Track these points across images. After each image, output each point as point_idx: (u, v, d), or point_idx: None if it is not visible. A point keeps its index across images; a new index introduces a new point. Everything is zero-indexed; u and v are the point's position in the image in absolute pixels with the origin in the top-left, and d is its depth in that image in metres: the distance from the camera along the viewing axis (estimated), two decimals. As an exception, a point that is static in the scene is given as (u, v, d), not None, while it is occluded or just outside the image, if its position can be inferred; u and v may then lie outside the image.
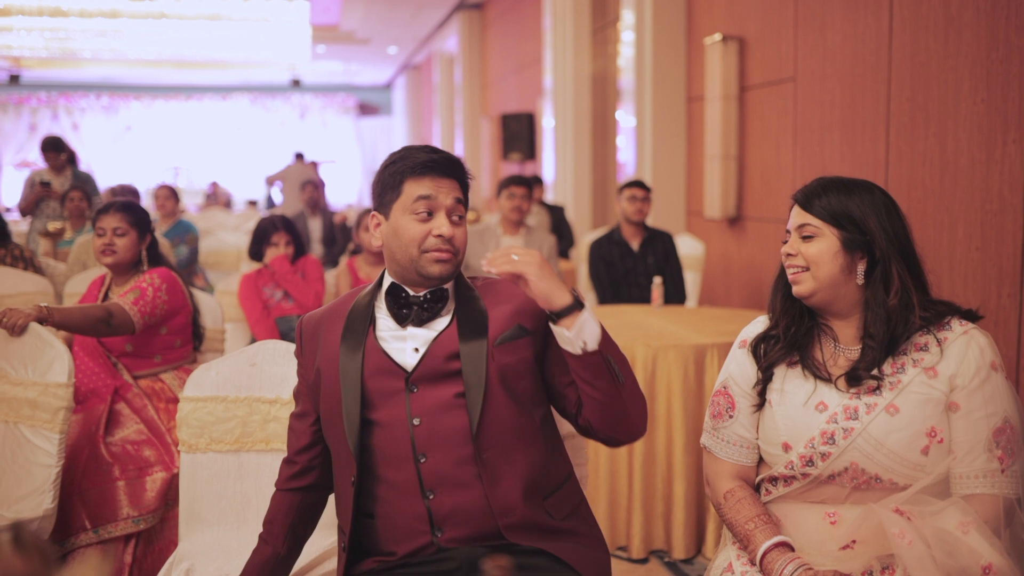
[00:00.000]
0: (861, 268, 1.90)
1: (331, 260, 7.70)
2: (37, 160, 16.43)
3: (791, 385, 1.94)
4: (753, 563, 1.87)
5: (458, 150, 14.39)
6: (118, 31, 12.94)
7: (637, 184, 5.28)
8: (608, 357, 1.81)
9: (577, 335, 1.77)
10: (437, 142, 16.28)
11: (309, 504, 2.09)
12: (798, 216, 1.95)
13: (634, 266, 5.20)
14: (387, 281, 2.01)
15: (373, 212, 2.01)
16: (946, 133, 3.89)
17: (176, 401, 3.09)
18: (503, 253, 1.79)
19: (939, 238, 3.87)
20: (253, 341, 4.49)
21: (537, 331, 1.95)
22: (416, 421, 1.90)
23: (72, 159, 7.50)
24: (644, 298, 5.06)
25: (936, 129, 3.95)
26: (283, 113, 22.44)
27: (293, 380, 2.37)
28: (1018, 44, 3.47)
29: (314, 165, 14.82)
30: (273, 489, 2.09)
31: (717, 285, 6.14)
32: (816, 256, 1.90)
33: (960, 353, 1.84)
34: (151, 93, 21.79)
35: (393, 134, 22.11)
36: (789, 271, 1.95)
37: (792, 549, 1.84)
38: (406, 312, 1.96)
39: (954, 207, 3.83)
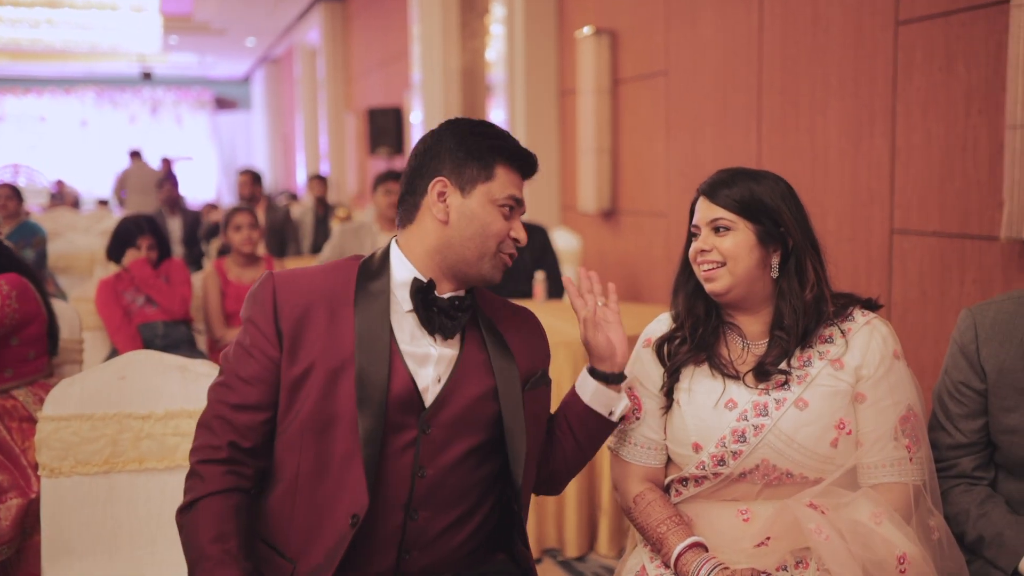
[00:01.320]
0: (775, 261, 1.85)
1: (192, 261, 7.39)
2: None
3: (699, 385, 1.88)
4: (668, 566, 1.82)
5: (322, 145, 14.10)
6: (-58, 16, 12.10)
7: None
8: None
9: (619, 401, 1.76)
10: (300, 138, 15.92)
11: (246, 508, 1.68)
12: (708, 210, 1.87)
13: (510, 261, 5.14)
14: (407, 271, 1.69)
15: (441, 178, 1.69)
16: (816, 126, 3.97)
17: (31, 420, 2.84)
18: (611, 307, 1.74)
19: None
20: (114, 351, 4.23)
21: (550, 378, 1.85)
22: (421, 473, 1.65)
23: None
24: (521, 292, 5.00)
25: (806, 123, 4.03)
26: (133, 108, 21.55)
27: (168, 393, 2.21)
28: (883, 40, 3.56)
29: (167, 163, 14.28)
30: (149, 513, 1.91)
31: (592, 279, 6.14)
32: (733, 250, 1.83)
33: (864, 344, 1.83)
34: (-17, 86, 20.57)
35: (253, 129, 21.54)
36: (702, 268, 1.87)
37: (706, 549, 1.80)
38: (431, 316, 1.67)
39: (825, 199, 3.91)
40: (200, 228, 7.75)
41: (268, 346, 1.64)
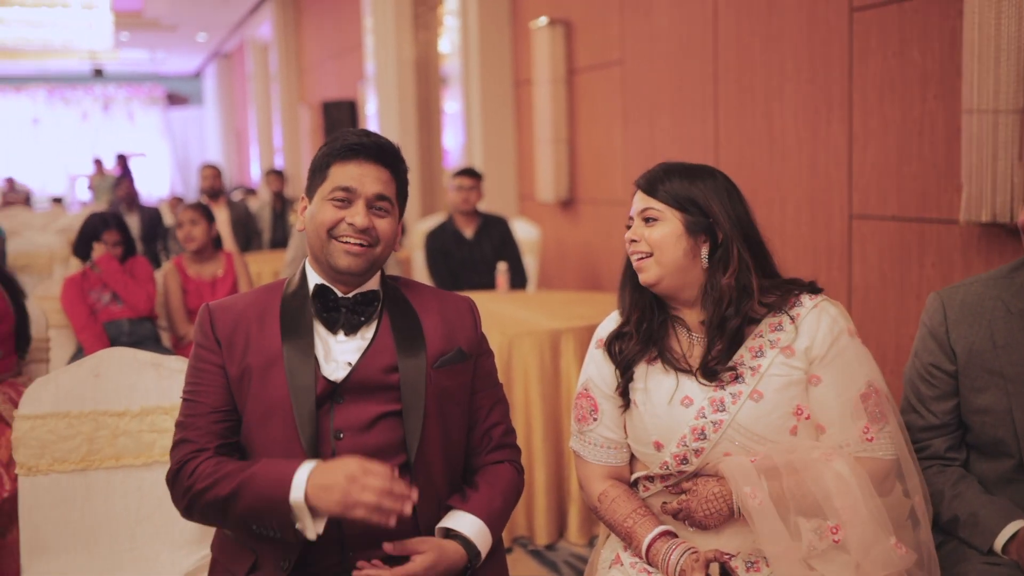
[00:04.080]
0: (705, 251, 1.85)
1: (150, 258, 7.32)
2: None
3: (654, 382, 1.89)
4: (640, 557, 1.84)
5: (276, 139, 13.98)
6: None
7: (463, 172, 5.24)
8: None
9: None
10: (254, 132, 15.78)
11: None
12: (641, 201, 1.90)
13: (470, 254, 5.17)
14: (312, 279, 1.86)
15: (303, 196, 1.89)
16: (772, 113, 4.03)
17: (1, 419, 2.82)
18: None
19: (770, 215, 4.01)
20: (80, 349, 4.19)
21: (472, 355, 1.90)
22: (339, 435, 1.76)
23: None
24: (483, 284, 5.03)
25: (763, 109, 4.08)
26: (85, 105, 21.24)
27: (142, 389, 2.21)
28: (837, 26, 3.62)
29: (122, 159, 14.11)
30: (127, 509, 1.90)
31: (552, 268, 6.19)
32: (660, 240, 1.85)
33: (813, 326, 1.82)
34: (-67, 84, 20.14)
35: (205, 125, 21.31)
36: (633, 258, 1.89)
37: (676, 536, 1.81)
38: (335, 316, 1.82)
39: (783, 184, 3.98)
40: (160, 225, 7.70)
41: (212, 355, 1.80)
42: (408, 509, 1.61)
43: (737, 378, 1.81)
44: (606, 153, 5.50)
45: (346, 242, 1.78)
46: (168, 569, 2.00)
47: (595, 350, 1.98)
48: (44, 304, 4.00)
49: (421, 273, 5.46)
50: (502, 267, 4.73)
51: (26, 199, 14.69)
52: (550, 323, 3.81)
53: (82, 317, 4.18)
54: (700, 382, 1.84)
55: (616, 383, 1.92)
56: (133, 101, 21.56)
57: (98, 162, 16.97)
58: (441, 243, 5.18)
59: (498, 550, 1.89)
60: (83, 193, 18.08)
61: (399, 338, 1.82)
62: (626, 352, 1.91)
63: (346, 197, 1.79)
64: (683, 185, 1.86)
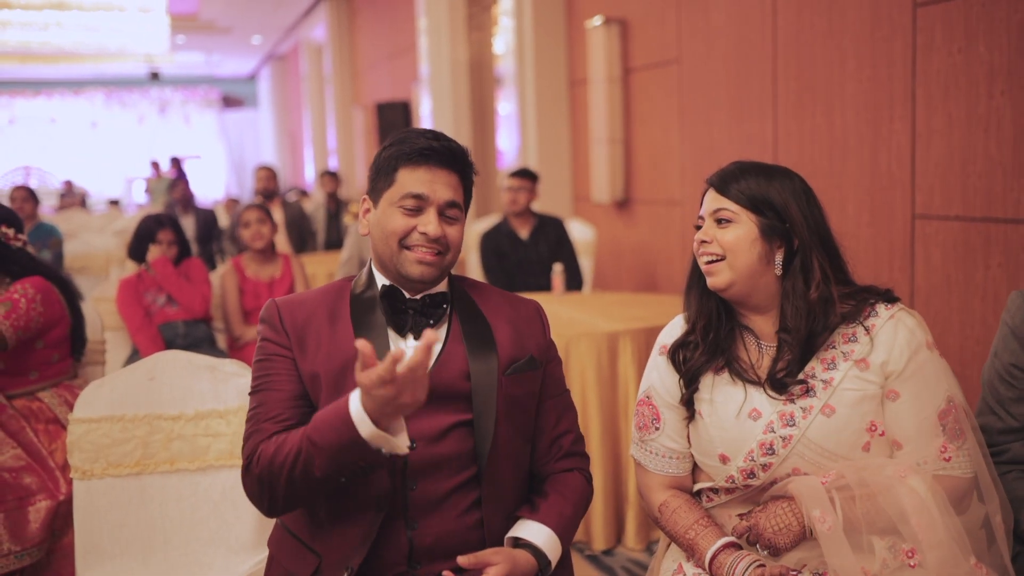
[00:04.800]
0: (779, 258, 1.77)
1: (206, 260, 7.41)
2: None
3: (720, 394, 1.82)
4: (703, 568, 1.78)
5: (331, 141, 14.09)
6: (-45, 21, 12.15)
7: (515, 173, 5.20)
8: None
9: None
10: (308, 133, 15.92)
11: None
12: (713, 200, 1.81)
13: (525, 255, 5.13)
14: (379, 280, 1.81)
15: (364, 197, 1.83)
16: (833, 111, 3.94)
17: (57, 421, 2.85)
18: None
19: (830, 215, 3.88)
20: (135, 350, 4.23)
21: (542, 362, 1.85)
22: (413, 444, 1.70)
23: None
24: (538, 286, 4.99)
25: (823, 107, 4.00)
26: (142, 108, 21.63)
27: (196, 393, 2.21)
28: (900, 22, 3.53)
29: (177, 162, 14.33)
30: (181, 513, 1.89)
31: (607, 269, 6.14)
32: (733, 243, 1.77)
33: (889, 339, 1.74)
34: (-6, 89, 20.64)
35: (260, 127, 21.57)
36: (702, 260, 1.81)
37: (740, 548, 1.75)
38: (403, 319, 1.77)
39: (844, 184, 3.89)
40: (215, 227, 7.79)
41: (282, 348, 1.76)
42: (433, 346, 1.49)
43: (808, 391, 1.74)
44: (662, 153, 5.44)
45: (418, 251, 1.74)
46: (223, 574, 2.00)
47: (658, 356, 1.92)
48: (100, 306, 4.04)
49: (475, 274, 5.44)
50: (558, 268, 4.69)
51: (82, 201, 14.98)
52: (607, 325, 3.77)
53: (137, 319, 4.22)
54: (769, 395, 1.77)
55: (680, 393, 1.86)
56: (189, 104, 21.92)
57: (155, 164, 17.29)
58: (496, 244, 5.16)
59: (566, 560, 1.84)
60: (140, 195, 18.43)
61: (470, 345, 1.78)
62: (691, 362, 1.84)
63: (417, 205, 1.74)
64: (759, 185, 1.78)
